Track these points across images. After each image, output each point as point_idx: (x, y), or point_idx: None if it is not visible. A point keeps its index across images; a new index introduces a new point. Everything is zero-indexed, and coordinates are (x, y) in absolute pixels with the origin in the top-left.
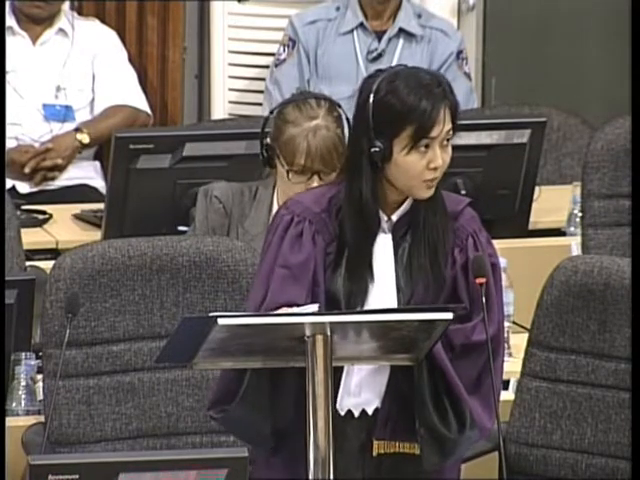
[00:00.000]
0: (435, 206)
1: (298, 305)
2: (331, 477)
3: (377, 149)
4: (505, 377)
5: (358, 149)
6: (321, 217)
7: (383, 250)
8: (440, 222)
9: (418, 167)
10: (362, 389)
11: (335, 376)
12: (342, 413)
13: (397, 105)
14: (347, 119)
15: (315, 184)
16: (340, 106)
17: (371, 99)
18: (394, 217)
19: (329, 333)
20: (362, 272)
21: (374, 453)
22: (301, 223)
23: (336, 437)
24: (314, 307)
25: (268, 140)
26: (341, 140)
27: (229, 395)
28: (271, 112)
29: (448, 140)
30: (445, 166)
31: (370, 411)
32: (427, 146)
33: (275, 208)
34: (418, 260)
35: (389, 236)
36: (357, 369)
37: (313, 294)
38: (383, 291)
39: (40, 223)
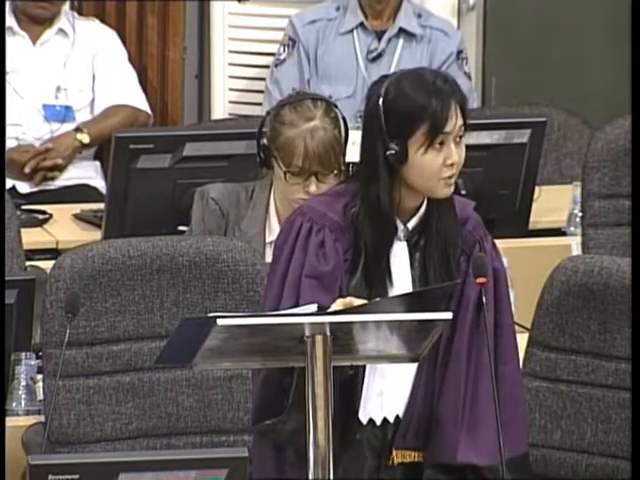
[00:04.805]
0: (448, 211)
1: None
2: (331, 477)
3: (393, 152)
4: None
5: (373, 155)
6: (339, 225)
7: (399, 257)
8: (452, 227)
9: (435, 165)
10: (385, 396)
11: (355, 383)
12: (364, 421)
13: (408, 105)
14: (344, 119)
15: (313, 185)
16: (337, 106)
17: (380, 103)
18: (410, 225)
19: (328, 333)
20: (381, 279)
21: (394, 462)
22: (321, 231)
23: (355, 445)
24: (313, 307)
25: (265, 141)
26: (338, 141)
27: (275, 409)
28: (267, 113)
29: (461, 137)
30: (461, 163)
31: (392, 419)
32: (442, 143)
33: (272, 209)
34: (433, 266)
35: (404, 243)
36: (379, 376)
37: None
38: None
39: (40, 223)
